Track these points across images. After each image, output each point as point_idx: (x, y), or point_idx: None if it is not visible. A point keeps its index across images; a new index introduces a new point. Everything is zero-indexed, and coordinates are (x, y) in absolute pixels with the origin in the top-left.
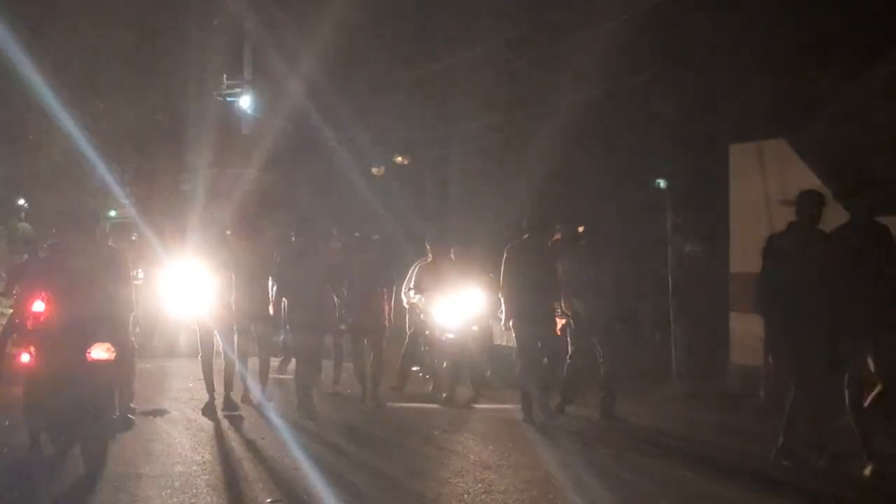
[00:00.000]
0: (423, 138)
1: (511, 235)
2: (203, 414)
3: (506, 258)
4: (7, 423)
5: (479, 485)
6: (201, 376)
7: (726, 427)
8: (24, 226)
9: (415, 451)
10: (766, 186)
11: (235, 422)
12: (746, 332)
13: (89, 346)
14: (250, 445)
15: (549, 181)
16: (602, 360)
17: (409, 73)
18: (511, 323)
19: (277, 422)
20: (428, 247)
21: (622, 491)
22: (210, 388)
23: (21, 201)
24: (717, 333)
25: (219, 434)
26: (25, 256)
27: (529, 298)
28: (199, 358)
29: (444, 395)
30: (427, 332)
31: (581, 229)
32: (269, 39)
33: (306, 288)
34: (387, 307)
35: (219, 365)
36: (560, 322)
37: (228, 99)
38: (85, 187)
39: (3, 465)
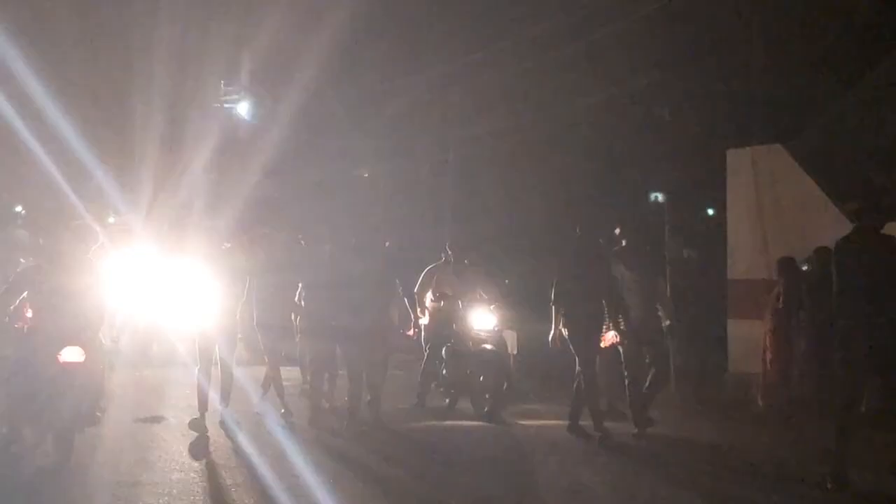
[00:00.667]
0: (425, 143)
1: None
2: (190, 427)
3: (560, 266)
4: (4, 430)
5: (480, 492)
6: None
7: (725, 434)
8: (22, 232)
9: (416, 459)
10: (763, 192)
11: (233, 429)
12: (744, 338)
13: (60, 349)
14: (248, 453)
15: (547, 186)
16: (651, 368)
17: (410, 78)
18: (567, 335)
19: (276, 429)
20: (449, 252)
21: (618, 498)
22: (203, 405)
23: (18, 208)
24: (715, 340)
25: (217, 441)
26: (22, 260)
27: (584, 308)
28: (197, 371)
29: (486, 409)
30: (451, 343)
31: (618, 231)
32: (268, 46)
33: (330, 294)
34: (396, 316)
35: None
36: (609, 335)
37: (226, 105)
38: (83, 194)
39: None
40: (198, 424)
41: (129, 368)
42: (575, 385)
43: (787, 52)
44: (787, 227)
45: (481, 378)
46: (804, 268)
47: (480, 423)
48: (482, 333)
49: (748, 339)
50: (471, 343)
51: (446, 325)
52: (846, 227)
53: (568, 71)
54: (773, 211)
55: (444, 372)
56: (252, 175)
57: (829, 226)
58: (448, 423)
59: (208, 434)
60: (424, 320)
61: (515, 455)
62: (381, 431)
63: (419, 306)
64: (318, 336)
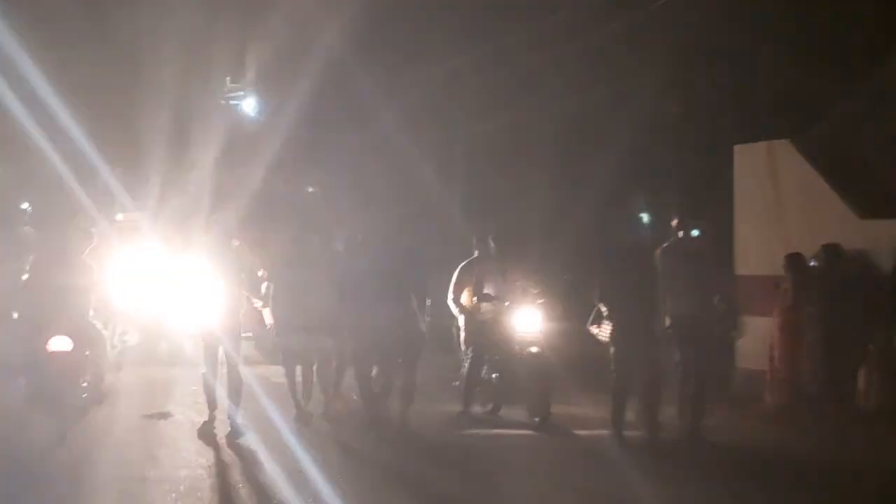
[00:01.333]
0: (425, 140)
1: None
2: (199, 436)
3: (605, 260)
4: (9, 428)
5: (479, 485)
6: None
7: (731, 431)
8: (28, 230)
9: (423, 458)
10: (771, 188)
11: (242, 427)
12: (752, 335)
13: (49, 339)
14: (256, 450)
15: (553, 181)
16: (693, 371)
17: (416, 72)
18: (609, 333)
19: (282, 426)
20: (492, 245)
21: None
22: (211, 407)
23: (25, 205)
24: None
25: (224, 439)
26: (31, 257)
27: (629, 306)
28: (202, 374)
29: (536, 417)
30: (495, 346)
31: (675, 222)
32: (273, 42)
33: (341, 292)
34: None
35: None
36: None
37: (231, 102)
38: (90, 191)
39: (5, 468)
40: (206, 431)
41: (136, 366)
42: (643, 391)
43: (796, 47)
44: (795, 223)
45: (529, 384)
46: (812, 264)
47: (529, 431)
48: (528, 336)
49: (756, 335)
50: (517, 346)
51: (490, 328)
52: (854, 223)
53: (575, 67)
54: (781, 207)
55: (492, 376)
56: (259, 172)
57: (838, 221)
58: (493, 431)
59: (216, 431)
60: (462, 321)
61: (562, 466)
62: (408, 436)
63: (455, 306)
64: (334, 335)
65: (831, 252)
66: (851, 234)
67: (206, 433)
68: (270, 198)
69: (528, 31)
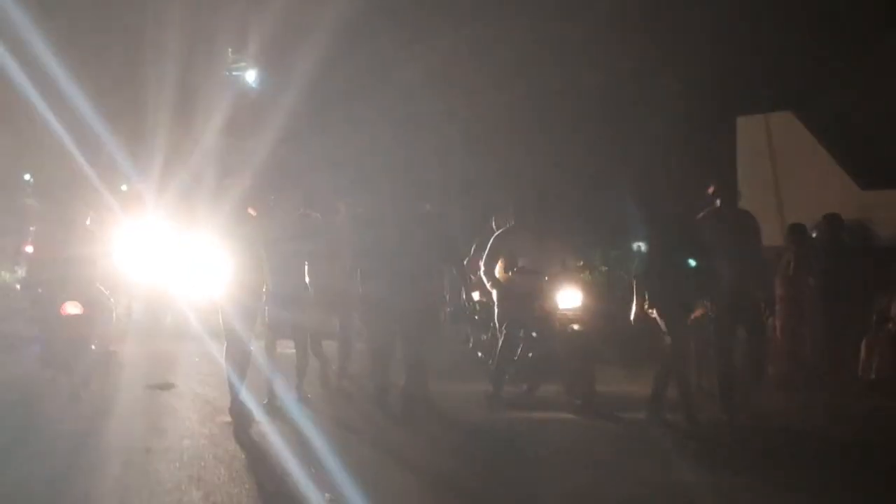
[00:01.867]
0: (434, 113)
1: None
2: (236, 438)
3: (653, 233)
4: (15, 398)
5: (516, 472)
6: (208, 352)
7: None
8: (31, 202)
9: (429, 433)
10: (773, 158)
11: (246, 400)
12: None
13: (62, 303)
14: (259, 421)
15: (552, 161)
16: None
17: (418, 47)
18: (655, 313)
19: (285, 396)
20: (531, 215)
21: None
22: (235, 392)
23: (27, 176)
24: None
25: (226, 408)
26: (32, 229)
27: (672, 282)
28: (225, 349)
29: (579, 400)
30: (532, 323)
31: (711, 189)
32: (274, 14)
33: (338, 266)
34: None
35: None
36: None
37: (234, 73)
38: (93, 162)
39: (11, 438)
40: (241, 429)
41: (141, 338)
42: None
43: (798, 19)
44: (797, 194)
45: (571, 363)
46: (814, 234)
47: (569, 414)
48: (569, 312)
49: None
50: (556, 323)
51: (526, 303)
52: (855, 193)
53: (575, 41)
54: (783, 177)
55: (528, 355)
56: (262, 143)
57: (839, 192)
58: (530, 413)
59: (217, 404)
60: (495, 295)
61: (607, 452)
62: (431, 417)
63: (488, 279)
64: (332, 309)
65: (833, 222)
66: (853, 205)
67: (241, 431)
68: (274, 169)
69: (524, 7)
